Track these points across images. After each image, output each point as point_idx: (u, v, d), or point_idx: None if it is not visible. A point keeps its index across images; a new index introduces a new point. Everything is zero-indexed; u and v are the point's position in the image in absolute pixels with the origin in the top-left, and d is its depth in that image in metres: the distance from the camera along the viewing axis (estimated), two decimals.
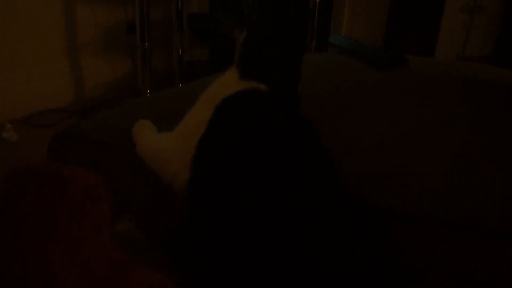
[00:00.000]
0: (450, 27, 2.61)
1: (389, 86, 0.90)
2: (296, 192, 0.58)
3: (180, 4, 2.74)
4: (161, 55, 2.89)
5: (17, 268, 0.34)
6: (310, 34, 2.50)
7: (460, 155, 0.70)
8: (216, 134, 0.69)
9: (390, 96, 0.84)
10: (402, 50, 2.58)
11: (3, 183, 0.38)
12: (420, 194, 0.62)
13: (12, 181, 0.38)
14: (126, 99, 2.48)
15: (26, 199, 0.37)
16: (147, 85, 2.44)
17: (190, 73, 2.76)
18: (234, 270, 0.54)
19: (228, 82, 0.75)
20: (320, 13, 2.51)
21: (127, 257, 0.47)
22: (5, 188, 0.37)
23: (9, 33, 2.12)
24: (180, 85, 2.73)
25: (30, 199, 0.37)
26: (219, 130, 0.69)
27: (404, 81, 0.93)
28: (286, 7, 0.75)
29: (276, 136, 0.65)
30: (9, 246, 0.35)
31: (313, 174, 0.61)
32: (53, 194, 0.38)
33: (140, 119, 0.84)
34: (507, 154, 0.72)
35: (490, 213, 0.59)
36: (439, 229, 0.60)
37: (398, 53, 1.00)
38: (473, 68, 1.09)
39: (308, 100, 0.70)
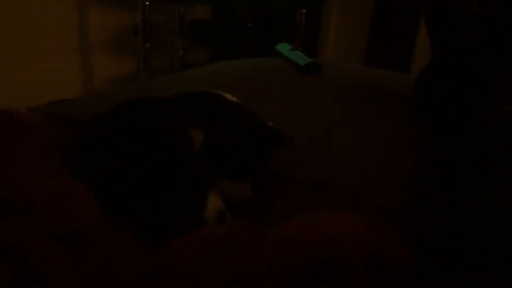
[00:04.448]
0: (425, 43, 2.82)
1: (302, 87, 1.15)
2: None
3: (182, 10, 3.02)
4: (164, 56, 3.17)
5: None
6: (297, 45, 2.74)
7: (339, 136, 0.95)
8: None
9: (299, 94, 1.10)
10: (382, 64, 2.78)
11: None
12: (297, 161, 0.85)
13: None
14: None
15: None
16: None
17: None
18: None
19: None
20: (307, 26, 2.74)
21: (72, 184, 0.69)
22: None
23: (27, 32, 2.44)
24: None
25: None
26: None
27: (317, 83, 1.18)
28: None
29: None
30: None
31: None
32: (7, 127, 0.62)
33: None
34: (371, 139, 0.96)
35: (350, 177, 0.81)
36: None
37: (314, 60, 1.24)
38: (378, 75, 1.33)
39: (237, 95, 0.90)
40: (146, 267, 0.48)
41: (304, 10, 2.69)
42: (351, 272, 0.47)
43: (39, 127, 0.65)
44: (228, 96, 0.85)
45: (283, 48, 1.37)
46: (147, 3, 2.52)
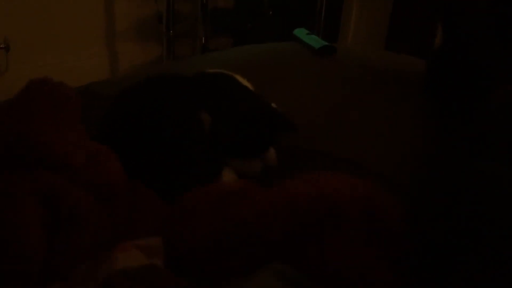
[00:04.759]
0: None
1: (316, 68, 1.20)
2: None
3: None
4: (187, 44, 3.24)
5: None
6: (318, 32, 2.76)
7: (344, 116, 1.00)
8: None
9: (313, 75, 1.15)
10: (403, 51, 2.79)
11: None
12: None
13: (30, 83, 0.70)
14: None
15: (30, 94, 0.68)
16: None
17: None
18: None
19: None
20: (328, 14, 2.76)
21: (103, 148, 0.75)
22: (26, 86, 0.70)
23: (57, 20, 2.55)
24: None
25: (33, 95, 0.68)
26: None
27: (331, 65, 1.23)
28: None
29: None
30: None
31: None
32: (47, 94, 0.69)
33: None
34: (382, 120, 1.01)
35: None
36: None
37: (328, 44, 1.29)
38: (392, 58, 1.37)
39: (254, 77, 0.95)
40: (166, 212, 0.54)
41: None
42: (347, 223, 0.53)
43: (73, 97, 0.72)
44: (239, 77, 0.91)
45: (300, 33, 1.42)
46: None
